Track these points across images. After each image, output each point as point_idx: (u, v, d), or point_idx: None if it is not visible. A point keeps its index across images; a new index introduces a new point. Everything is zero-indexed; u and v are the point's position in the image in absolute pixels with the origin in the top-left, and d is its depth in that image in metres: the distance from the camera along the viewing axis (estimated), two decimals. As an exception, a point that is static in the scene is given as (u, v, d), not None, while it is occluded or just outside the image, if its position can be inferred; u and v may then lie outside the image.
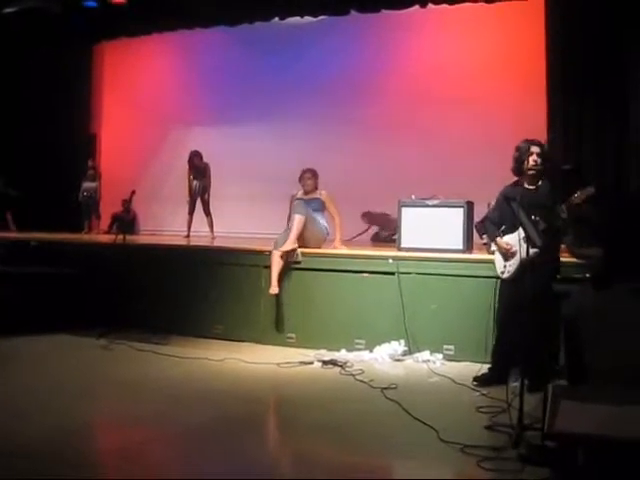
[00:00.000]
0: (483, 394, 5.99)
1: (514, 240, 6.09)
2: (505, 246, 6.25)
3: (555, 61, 10.59)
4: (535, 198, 6.12)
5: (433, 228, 7.96)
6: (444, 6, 11.12)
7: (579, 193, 5.73)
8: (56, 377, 6.55)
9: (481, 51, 11.76)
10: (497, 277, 6.49)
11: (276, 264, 8.15)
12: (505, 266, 6.30)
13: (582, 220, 6.01)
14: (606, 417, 3.00)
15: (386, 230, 11.70)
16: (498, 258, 6.41)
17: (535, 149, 6.20)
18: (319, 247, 8.59)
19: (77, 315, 8.62)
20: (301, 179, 8.90)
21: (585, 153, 10.22)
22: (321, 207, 8.75)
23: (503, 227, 6.35)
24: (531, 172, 6.20)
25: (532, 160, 6.17)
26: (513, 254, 6.17)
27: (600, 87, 10.07)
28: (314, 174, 8.88)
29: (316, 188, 8.85)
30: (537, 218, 5.85)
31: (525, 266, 5.89)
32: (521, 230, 5.97)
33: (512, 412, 4.86)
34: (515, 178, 6.42)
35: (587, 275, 6.17)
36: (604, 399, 3.17)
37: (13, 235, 11.16)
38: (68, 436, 4.84)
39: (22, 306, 8.43)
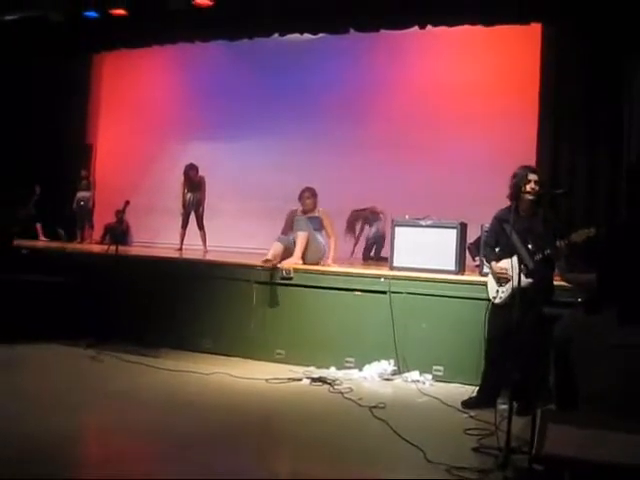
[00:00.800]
0: (471, 416, 5.99)
1: (509, 265, 6.11)
2: (500, 271, 6.24)
3: (548, 86, 10.71)
4: (530, 226, 6.12)
5: (426, 248, 7.97)
6: (443, 28, 11.15)
7: (580, 232, 5.77)
8: (43, 386, 6.52)
9: (477, 73, 11.84)
10: (488, 300, 6.47)
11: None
12: (498, 291, 6.30)
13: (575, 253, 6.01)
14: (593, 441, 2.99)
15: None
16: (491, 282, 6.41)
17: (533, 177, 6.21)
18: (317, 264, 8.69)
19: (66, 324, 8.56)
20: (301, 198, 9.01)
21: (577, 177, 10.29)
22: (320, 226, 8.90)
23: (497, 250, 6.38)
24: (529, 198, 6.20)
25: (530, 187, 6.17)
26: (507, 280, 6.18)
27: (593, 113, 10.15)
28: (313, 193, 8.96)
29: (315, 207, 8.91)
30: (533, 248, 5.89)
31: (516, 295, 5.93)
32: (517, 258, 6.02)
33: (499, 435, 4.85)
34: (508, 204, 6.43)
35: (579, 300, 6.20)
36: (591, 424, 3.17)
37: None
38: (53, 446, 4.80)
39: (11, 314, 8.37)
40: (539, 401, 4.69)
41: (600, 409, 3.48)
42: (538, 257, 5.92)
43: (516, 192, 6.19)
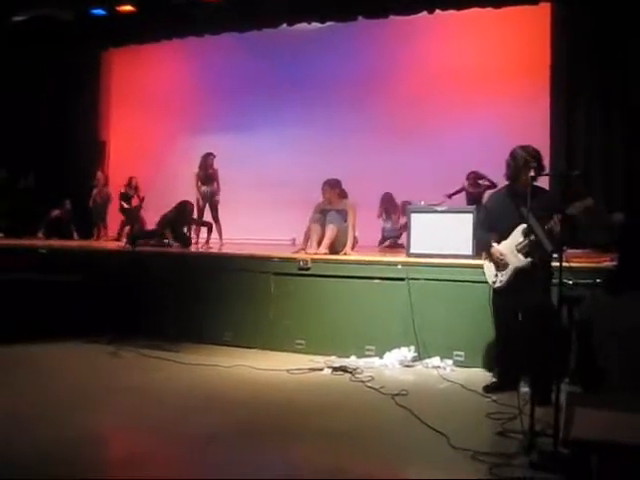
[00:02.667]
0: (494, 400, 5.97)
1: (507, 248, 6.10)
2: (499, 256, 6.16)
3: (559, 67, 10.66)
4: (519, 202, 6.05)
5: (442, 234, 7.94)
6: (451, 11, 11.15)
7: (577, 204, 5.67)
8: (66, 384, 6.56)
9: (487, 56, 11.82)
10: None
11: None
12: (497, 275, 6.22)
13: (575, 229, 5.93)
14: (621, 424, 2.98)
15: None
16: (489, 267, 6.33)
17: (534, 163, 5.92)
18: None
19: (87, 322, 8.61)
20: (322, 190, 9.06)
21: (592, 158, 10.22)
22: (347, 217, 8.94)
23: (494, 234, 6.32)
24: (528, 183, 6.11)
25: (530, 174, 6.05)
26: (505, 264, 6.12)
27: (606, 92, 10.10)
28: (331, 185, 8.97)
29: (338, 198, 8.93)
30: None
31: (520, 275, 5.95)
32: (514, 238, 5.99)
33: (523, 418, 4.84)
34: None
35: (598, 280, 6.16)
36: (619, 405, 3.15)
37: (24, 242, 11.17)
38: (77, 442, 4.85)
39: (32, 313, 8.43)
40: (560, 384, 4.63)
41: (626, 390, 3.46)
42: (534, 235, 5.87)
43: (515, 174, 6.13)
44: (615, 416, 2.99)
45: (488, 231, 6.39)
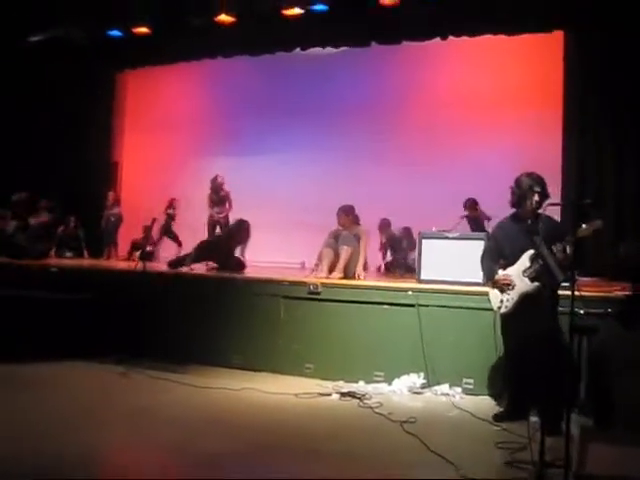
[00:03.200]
0: (503, 429, 5.94)
1: (514, 273, 6.10)
2: (503, 279, 6.15)
3: (572, 94, 10.67)
4: (533, 229, 6.04)
5: (453, 260, 7.93)
6: (464, 38, 11.19)
7: (586, 226, 5.69)
8: (73, 403, 6.56)
9: (500, 83, 11.88)
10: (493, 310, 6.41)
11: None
12: (502, 300, 6.19)
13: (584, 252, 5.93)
14: (635, 460, 2.96)
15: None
16: (494, 293, 6.31)
17: (537, 189, 6.07)
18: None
19: (96, 342, 8.63)
20: (337, 217, 9.12)
21: (604, 187, 10.21)
22: (359, 241, 8.99)
23: (501, 261, 6.32)
24: (532, 209, 6.14)
25: (535, 201, 6.09)
26: (511, 287, 6.11)
27: (618, 121, 10.10)
28: (346, 211, 9.04)
29: (352, 223, 8.98)
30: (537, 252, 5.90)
31: (526, 300, 5.96)
32: (521, 264, 6.00)
33: (533, 448, 4.80)
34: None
35: (609, 310, 6.15)
36: (632, 442, 3.13)
37: (32, 262, 11.20)
38: (84, 462, 4.85)
39: (41, 332, 8.46)
40: (571, 414, 4.60)
41: (638, 426, 3.44)
42: (541, 261, 5.90)
43: (520, 201, 6.18)
44: (629, 452, 2.97)
45: (495, 260, 6.38)
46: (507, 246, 6.27)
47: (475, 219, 11.31)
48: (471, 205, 11.33)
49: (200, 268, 10.17)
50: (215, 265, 10.25)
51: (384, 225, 11.94)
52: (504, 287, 6.14)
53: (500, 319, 6.31)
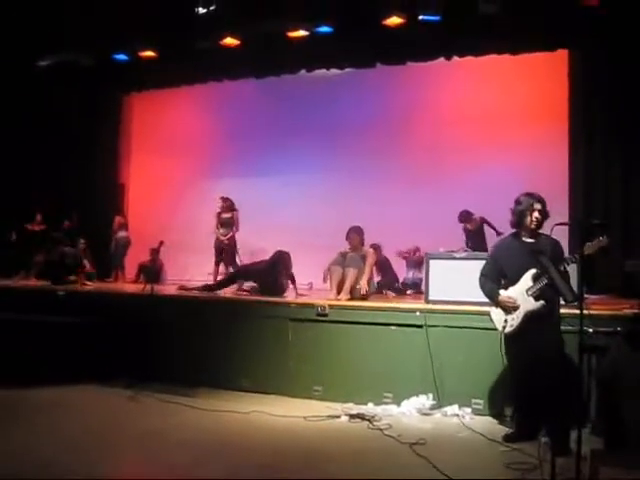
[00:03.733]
0: (515, 449, 5.90)
1: (516, 293, 6.10)
2: (508, 300, 6.15)
3: (578, 112, 10.72)
4: (535, 249, 6.10)
5: (461, 280, 7.89)
6: (469, 58, 11.22)
7: (592, 243, 5.70)
8: (80, 428, 6.55)
9: (505, 101, 11.90)
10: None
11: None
12: (506, 320, 6.18)
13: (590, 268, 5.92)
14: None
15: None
16: (496, 312, 6.32)
17: (537, 206, 6.15)
18: (365, 299, 8.80)
19: (104, 366, 8.63)
20: (347, 237, 9.18)
21: (611, 205, 10.20)
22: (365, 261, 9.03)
23: (503, 282, 6.32)
24: (532, 228, 6.19)
25: (535, 217, 6.15)
26: (515, 308, 6.11)
27: (625, 138, 10.10)
28: (357, 232, 9.04)
29: (361, 244, 9.00)
30: (539, 269, 5.93)
31: (531, 318, 5.96)
32: (524, 283, 6.03)
33: (543, 468, 4.78)
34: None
35: (618, 329, 6.12)
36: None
37: (40, 284, 11.24)
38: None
39: (50, 356, 8.47)
40: (581, 434, 4.58)
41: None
42: (546, 279, 5.92)
43: (520, 220, 6.23)
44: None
45: (495, 280, 6.39)
46: (507, 265, 6.30)
47: (474, 231, 11.37)
48: (466, 217, 11.39)
49: (228, 291, 10.26)
50: (251, 286, 10.25)
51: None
52: (508, 308, 6.15)
53: (504, 339, 6.29)
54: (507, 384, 6.76)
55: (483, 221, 11.26)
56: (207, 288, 10.20)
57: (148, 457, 5.74)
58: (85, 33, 11.85)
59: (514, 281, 6.17)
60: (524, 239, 6.25)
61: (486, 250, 9.55)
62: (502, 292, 6.24)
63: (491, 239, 10.27)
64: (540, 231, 6.21)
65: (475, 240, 11.20)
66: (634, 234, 9.94)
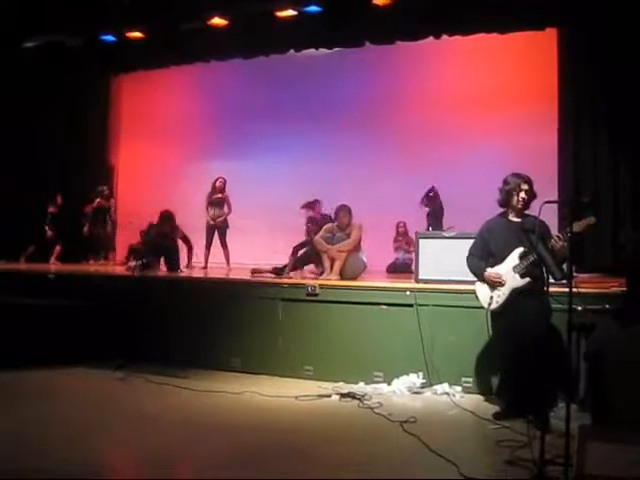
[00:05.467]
0: (505, 426, 5.92)
1: (503, 270, 6.17)
2: (495, 277, 6.21)
3: (567, 92, 10.69)
4: (522, 228, 6.18)
5: (451, 260, 7.89)
6: (457, 37, 11.19)
7: (580, 222, 5.76)
8: (73, 410, 6.56)
9: (494, 82, 11.88)
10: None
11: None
12: (492, 297, 6.24)
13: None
14: (634, 459, 2.96)
15: None
16: (482, 289, 6.37)
17: (525, 186, 6.26)
18: (355, 279, 8.84)
19: (94, 348, 8.62)
20: (336, 215, 9.18)
21: (600, 183, 10.22)
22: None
23: (490, 259, 6.37)
24: (519, 207, 6.26)
25: (521, 197, 6.24)
26: (501, 284, 6.17)
27: (615, 117, 10.10)
28: (347, 210, 9.08)
29: (349, 222, 9.02)
30: (527, 248, 6.02)
31: (518, 296, 6.05)
32: (511, 261, 6.11)
33: (533, 446, 4.80)
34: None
35: (607, 306, 6.16)
36: (631, 439, 3.13)
37: (31, 267, 11.21)
38: (84, 468, 4.84)
39: (39, 339, 8.43)
40: (568, 411, 4.61)
41: (637, 424, 3.44)
42: (532, 257, 6.00)
43: (507, 199, 6.32)
44: (628, 451, 2.97)
45: (482, 257, 6.44)
46: (495, 244, 6.36)
47: (434, 209, 11.52)
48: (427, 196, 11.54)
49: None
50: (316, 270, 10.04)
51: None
52: (495, 284, 6.21)
53: (491, 316, 6.36)
54: (494, 361, 6.81)
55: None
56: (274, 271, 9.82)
57: (139, 439, 5.72)
58: (72, 14, 11.76)
59: (501, 259, 6.23)
60: (511, 218, 6.35)
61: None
62: (489, 269, 6.29)
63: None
64: (527, 212, 6.25)
65: (436, 222, 11.25)
66: (623, 213, 9.98)
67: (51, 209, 13.30)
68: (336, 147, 12.91)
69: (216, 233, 12.15)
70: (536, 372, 5.42)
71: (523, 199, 6.22)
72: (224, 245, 12.14)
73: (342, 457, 5.24)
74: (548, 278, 5.82)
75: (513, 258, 6.13)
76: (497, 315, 6.29)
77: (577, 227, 5.71)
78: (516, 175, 6.31)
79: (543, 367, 5.41)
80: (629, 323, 3.76)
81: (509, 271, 6.13)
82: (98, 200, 13.08)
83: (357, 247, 9.03)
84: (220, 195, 12.09)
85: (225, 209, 12.12)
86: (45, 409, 6.56)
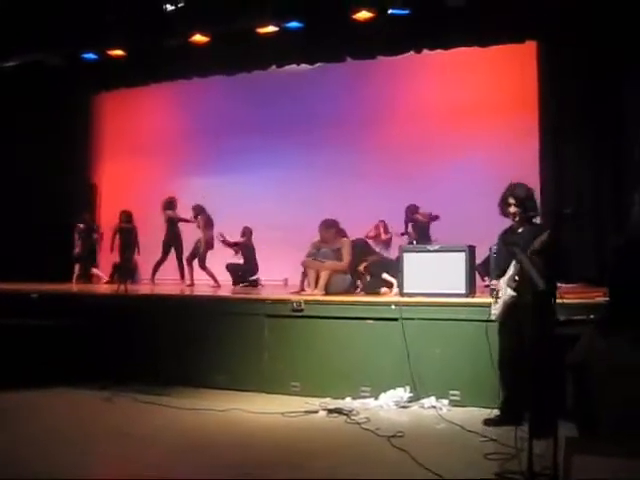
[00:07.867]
0: (493, 439, 5.93)
1: (503, 283, 6.27)
2: (494, 287, 6.39)
3: (547, 104, 10.76)
4: (515, 240, 6.21)
5: (435, 273, 7.94)
6: (439, 51, 11.25)
7: (538, 239, 5.84)
8: (58, 430, 6.50)
9: (475, 95, 11.97)
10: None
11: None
12: (492, 308, 6.42)
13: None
14: (620, 471, 2.96)
15: None
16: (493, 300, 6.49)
17: (512, 200, 6.32)
18: (339, 294, 8.89)
19: (79, 367, 8.54)
20: (319, 232, 9.28)
21: (582, 194, 10.27)
22: (341, 256, 9.10)
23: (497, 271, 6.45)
24: (513, 220, 6.39)
25: (511, 212, 6.35)
26: (498, 296, 6.28)
27: (594, 127, 10.18)
28: (327, 225, 9.10)
29: (336, 237, 9.02)
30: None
31: (509, 308, 6.17)
32: (510, 273, 6.18)
33: (521, 458, 4.80)
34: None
35: (591, 317, 6.17)
36: (617, 451, 3.13)
37: (13, 287, 11.11)
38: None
39: (23, 359, 8.37)
40: (556, 421, 4.60)
41: (623, 435, 3.44)
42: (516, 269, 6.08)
43: (502, 212, 6.48)
44: (614, 463, 2.98)
45: (503, 268, 6.44)
46: (499, 257, 6.55)
47: (420, 226, 11.52)
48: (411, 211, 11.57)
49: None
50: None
51: None
52: (493, 294, 6.35)
53: (497, 327, 6.47)
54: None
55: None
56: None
57: (124, 457, 5.69)
58: (53, 32, 11.72)
59: (503, 271, 6.32)
60: (515, 229, 6.44)
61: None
62: (494, 281, 6.46)
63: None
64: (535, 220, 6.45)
65: (423, 236, 11.27)
66: (605, 221, 10.03)
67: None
68: (319, 162, 12.92)
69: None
70: (527, 383, 5.42)
71: (513, 213, 6.31)
72: (202, 267, 12.15)
73: (330, 473, 5.21)
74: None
75: (512, 270, 6.19)
76: (499, 325, 6.42)
77: (536, 244, 5.80)
78: (506, 188, 6.42)
79: (532, 378, 5.42)
80: (613, 333, 3.76)
81: (505, 283, 6.21)
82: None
83: (351, 267, 9.06)
84: (194, 221, 12.18)
85: (204, 231, 12.16)
86: (29, 428, 6.49)
